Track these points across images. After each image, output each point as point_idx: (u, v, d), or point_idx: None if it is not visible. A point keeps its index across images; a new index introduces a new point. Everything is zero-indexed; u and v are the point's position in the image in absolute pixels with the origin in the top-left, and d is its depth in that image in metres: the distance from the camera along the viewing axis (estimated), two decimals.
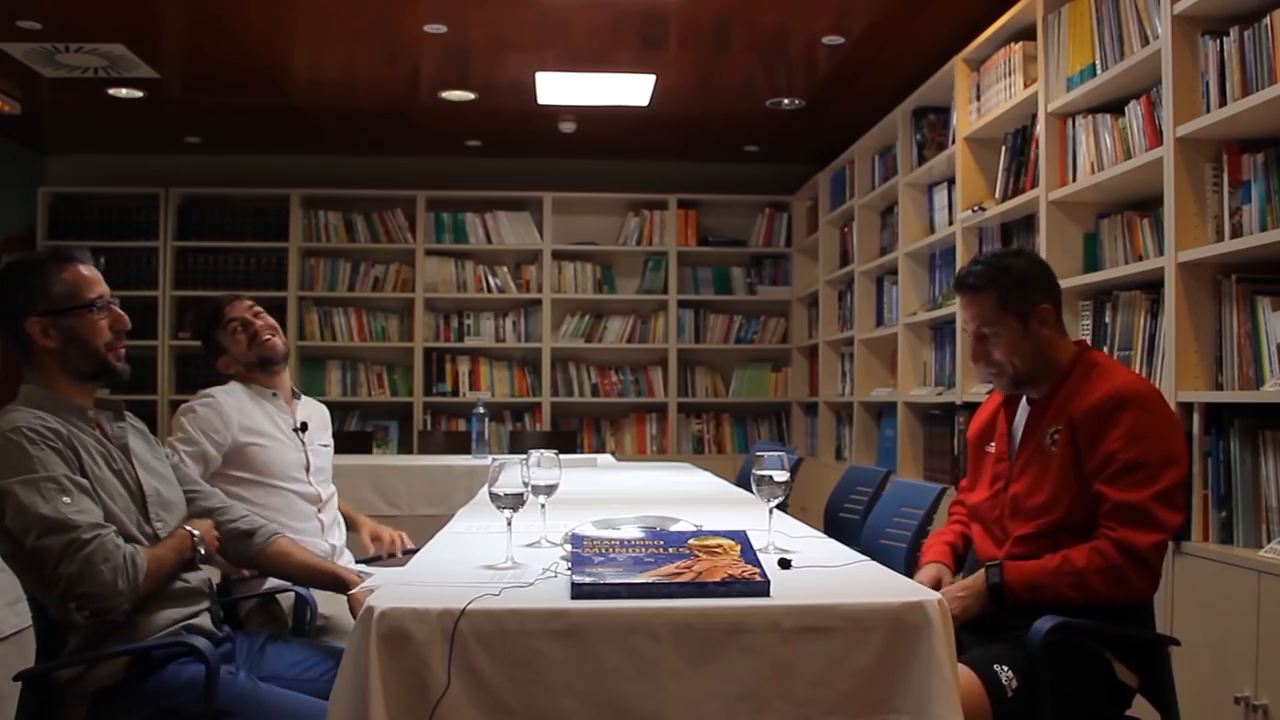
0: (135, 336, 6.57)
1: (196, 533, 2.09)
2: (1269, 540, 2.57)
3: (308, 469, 3.02)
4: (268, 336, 3.02)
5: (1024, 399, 2.31)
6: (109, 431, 2.11)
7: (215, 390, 2.98)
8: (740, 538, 1.84)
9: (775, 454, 2.11)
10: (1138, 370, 3.15)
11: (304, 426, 3.08)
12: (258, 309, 3.09)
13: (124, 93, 5.54)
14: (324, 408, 3.34)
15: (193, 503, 2.27)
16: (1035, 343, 2.20)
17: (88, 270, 2.11)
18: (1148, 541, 1.96)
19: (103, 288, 2.12)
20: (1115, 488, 2.00)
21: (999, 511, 2.22)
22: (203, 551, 2.09)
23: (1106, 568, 1.95)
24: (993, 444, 2.31)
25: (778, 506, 2.17)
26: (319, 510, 3.03)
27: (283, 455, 2.98)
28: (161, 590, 1.99)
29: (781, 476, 2.09)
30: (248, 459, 2.92)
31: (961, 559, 2.41)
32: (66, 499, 1.88)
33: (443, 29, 4.63)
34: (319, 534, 3.00)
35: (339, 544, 3.07)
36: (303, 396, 3.21)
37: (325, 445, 3.18)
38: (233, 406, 2.93)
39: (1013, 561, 2.07)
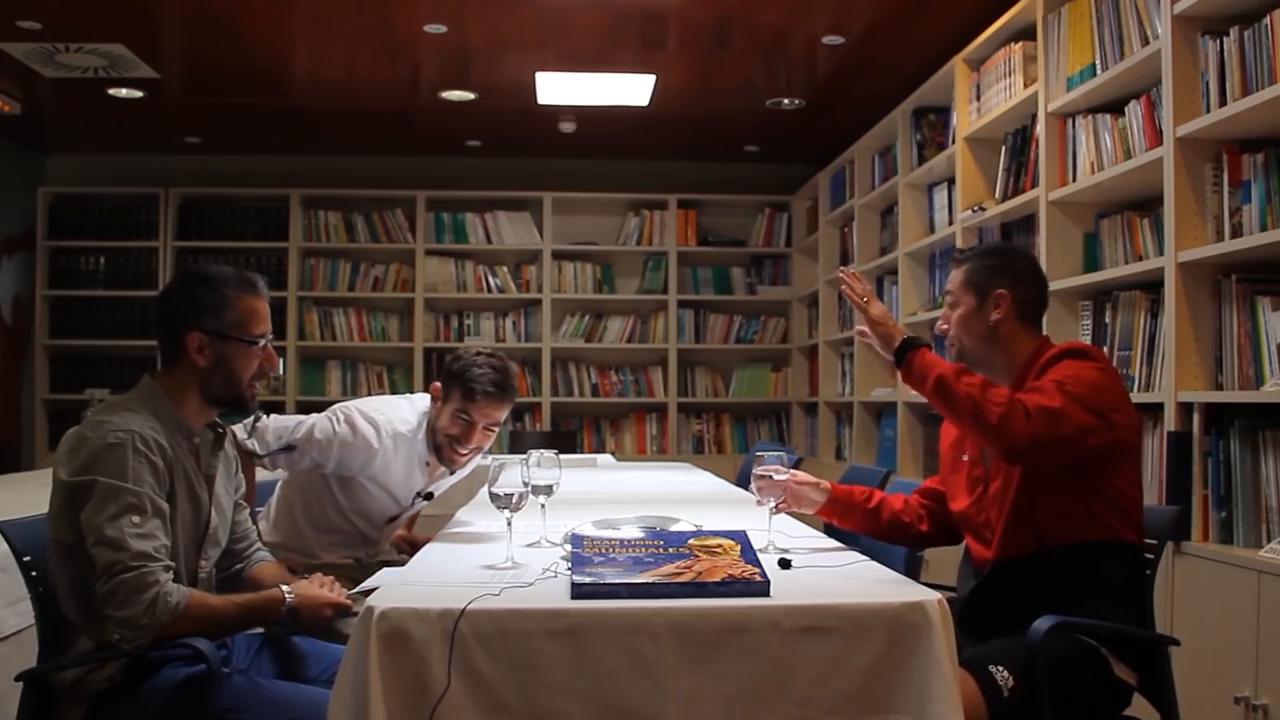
0: (138, 337, 6.64)
1: (290, 597, 1.99)
2: (1269, 540, 2.57)
3: (389, 521, 3.01)
4: (459, 456, 2.80)
5: None
6: (202, 461, 2.11)
7: (385, 427, 2.79)
8: (740, 538, 1.84)
9: (775, 453, 2.11)
10: (1137, 370, 3.15)
11: (429, 495, 2.99)
12: (495, 426, 2.78)
13: (124, 93, 5.54)
14: (479, 469, 3.09)
15: (232, 535, 2.26)
16: (987, 323, 2.23)
17: (263, 306, 2.12)
18: (1038, 402, 1.98)
19: (268, 326, 2.12)
20: (1031, 393, 2.04)
21: (984, 515, 2.21)
22: (290, 618, 1.99)
23: (1004, 400, 1.98)
24: (966, 454, 2.31)
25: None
26: (368, 549, 3.02)
27: (378, 508, 2.94)
28: (210, 635, 1.92)
29: (782, 476, 2.10)
30: (349, 490, 2.89)
31: (865, 514, 2.41)
32: (135, 519, 1.87)
33: (443, 29, 4.63)
34: (358, 569, 3.00)
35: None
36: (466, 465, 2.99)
37: (426, 498, 3.07)
38: (380, 458, 2.80)
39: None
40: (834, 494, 2.40)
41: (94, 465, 1.88)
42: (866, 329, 2.20)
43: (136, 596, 1.83)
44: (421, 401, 2.92)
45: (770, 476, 2.21)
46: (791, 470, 2.33)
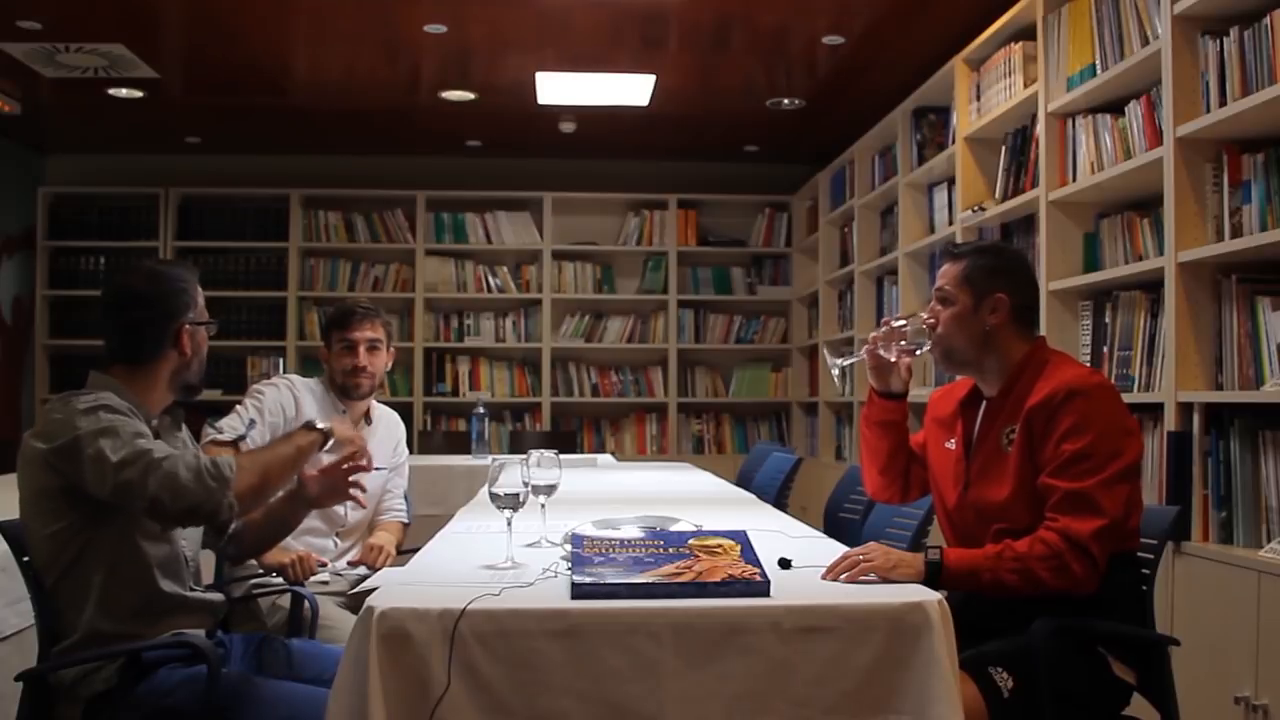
0: None
1: (327, 425, 2.12)
2: (1269, 540, 2.57)
3: None
4: (358, 378, 3.07)
5: (983, 401, 2.27)
6: (164, 439, 2.11)
7: (295, 378, 3.09)
8: (740, 538, 1.84)
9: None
10: (1137, 370, 3.16)
11: None
12: (376, 343, 3.11)
13: (124, 93, 5.54)
14: (397, 423, 3.35)
15: None
16: (981, 328, 2.18)
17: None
18: (1088, 529, 1.94)
19: None
20: (1063, 479, 1.99)
21: (969, 523, 2.20)
22: (327, 446, 2.13)
23: (1049, 554, 1.93)
24: (952, 441, 2.29)
25: (776, 507, 2.17)
26: (336, 533, 3.04)
27: (328, 463, 3.00)
28: (278, 488, 2.03)
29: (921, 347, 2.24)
30: None
31: (901, 435, 2.41)
32: (141, 442, 1.91)
33: (443, 29, 4.63)
34: (329, 553, 3.00)
35: (344, 570, 3.05)
36: (378, 414, 3.24)
37: (376, 469, 3.13)
38: (304, 399, 3.03)
39: (953, 548, 2.04)
40: (904, 399, 2.37)
41: (76, 431, 1.90)
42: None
43: (186, 472, 1.87)
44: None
45: (898, 330, 2.27)
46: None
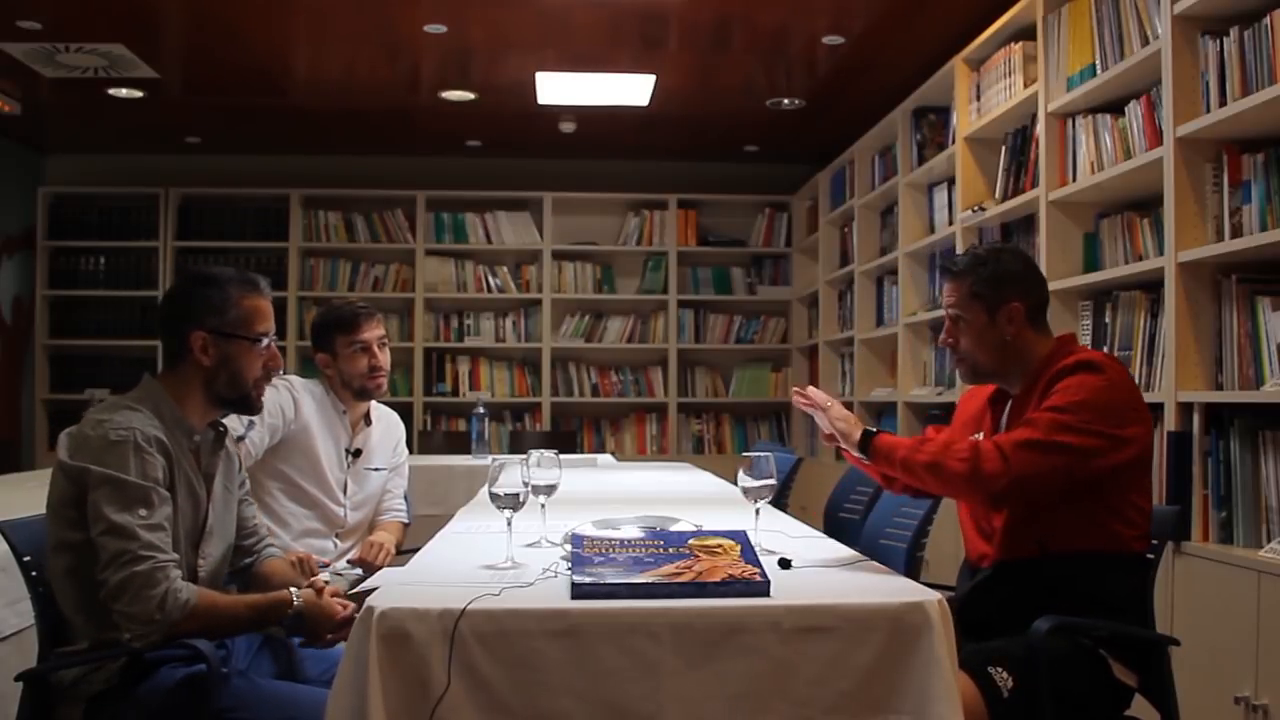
0: (137, 337, 6.64)
1: (298, 600, 1.99)
2: (1269, 540, 2.57)
3: (344, 490, 3.08)
4: (378, 378, 3.08)
5: (1009, 399, 2.28)
6: (202, 461, 2.10)
7: (295, 379, 3.06)
8: (740, 538, 1.84)
9: (762, 456, 2.11)
10: (1137, 370, 3.15)
11: (357, 453, 3.13)
12: (384, 340, 3.11)
13: (124, 93, 5.54)
14: (397, 424, 3.35)
15: (239, 531, 2.25)
16: (1001, 337, 2.20)
17: (266, 305, 2.13)
18: (1013, 438, 2.00)
19: (272, 324, 2.14)
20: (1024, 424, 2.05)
21: (990, 513, 2.20)
22: (295, 621, 1.99)
23: (966, 450, 2.00)
24: (980, 435, 2.29)
25: (776, 507, 2.17)
26: (336, 534, 3.05)
27: (321, 466, 3.03)
28: (216, 634, 1.92)
29: (768, 483, 2.12)
30: (289, 459, 2.98)
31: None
32: (143, 511, 1.87)
33: (443, 29, 4.63)
34: (329, 553, 3.01)
35: (343, 570, 3.06)
36: (378, 414, 3.24)
37: (377, 469, 3.20)
38: (305, 401, 3.01)
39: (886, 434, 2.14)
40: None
41: (97, 462, 1.89)
42: (831, 430, 2.18)
43: (147, 593, 1.83)
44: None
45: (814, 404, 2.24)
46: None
